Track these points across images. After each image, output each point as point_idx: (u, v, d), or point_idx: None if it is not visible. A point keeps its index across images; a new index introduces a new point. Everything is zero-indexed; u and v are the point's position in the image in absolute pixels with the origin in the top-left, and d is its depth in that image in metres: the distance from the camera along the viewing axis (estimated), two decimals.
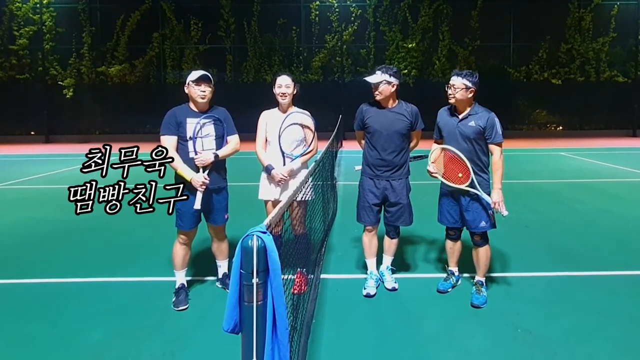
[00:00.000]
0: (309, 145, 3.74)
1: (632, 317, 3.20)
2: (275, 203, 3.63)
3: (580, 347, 2.83)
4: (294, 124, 3.64)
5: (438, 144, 3.65)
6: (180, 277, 3.58)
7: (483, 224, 3.44)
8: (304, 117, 3.70)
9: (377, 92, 3.54)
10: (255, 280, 1.50)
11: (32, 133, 20.34)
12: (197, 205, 3.35)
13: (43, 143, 19.39)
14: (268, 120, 3.70)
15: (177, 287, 3.55)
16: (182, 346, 2.87)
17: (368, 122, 3.62)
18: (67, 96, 19.91)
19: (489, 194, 3.42)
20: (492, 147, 3.44)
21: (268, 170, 3.61)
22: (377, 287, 3.69)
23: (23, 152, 15.69)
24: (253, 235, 1.51)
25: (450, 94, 3.43)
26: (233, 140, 3.57)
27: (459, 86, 3.37)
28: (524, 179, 8.93)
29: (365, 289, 3.64)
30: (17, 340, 2.98)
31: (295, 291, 3.11)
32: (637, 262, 4.33)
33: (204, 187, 3.33)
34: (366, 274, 3.82)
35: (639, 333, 2.99)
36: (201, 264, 4.19)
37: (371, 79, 3.52)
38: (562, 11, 20.22)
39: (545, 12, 20.19)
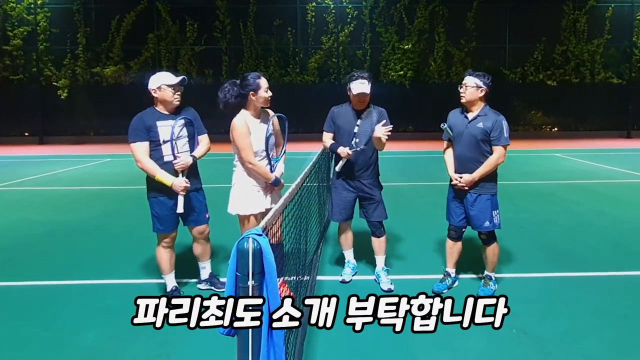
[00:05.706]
0: (283, 145, 3.59)
1: (627, 317, 3.22)
2: (265, 214, 3.51)
3: (574, 347, 2.84)
4: (272, 126, 3.43)
5: (449, 146, 3.67)
6: (171, 280, 3.58)
7: (487, 224, 3.48)
8: (273, 117, 3.47)
9: (363, 101, 3.60)
10: (251, 283, 1.50)
11: (26, 134, 20.21)
12: (180, 209, 3.34)
13: (37, 144, 19.26)
14: (251, 129, 3.34)
15: (169, 290, 3.54)
16: (177, 348, 2.86)
17: (340, 125, 3.71)
18: (62, 97, 19.80)
19: (491, 196, 3.48)
20: (494, 147, 3.41)
21: (277, 183, 3.38)
22: (353, 275, 3.95)
23: (17, 153, 15.59)
24: (249, 237, 1.51)
25: (461, 93, 3.44)
26: (204, 140, 3.58)
27: (470, 85, 3.39)
28: (519, 180, 8.96)
29: (341, 275, 3.91)
30: (11, 343, 2.96)
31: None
32: (632, 262, 4.36)
33: (185, 190, 3.33)
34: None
35: (633, 333, 3.01)
36: (194, 266, 4.16)
37: (364, 88, 3.51)
38: (557, 13, 20.34)
39: (541, 14, 20.29)
